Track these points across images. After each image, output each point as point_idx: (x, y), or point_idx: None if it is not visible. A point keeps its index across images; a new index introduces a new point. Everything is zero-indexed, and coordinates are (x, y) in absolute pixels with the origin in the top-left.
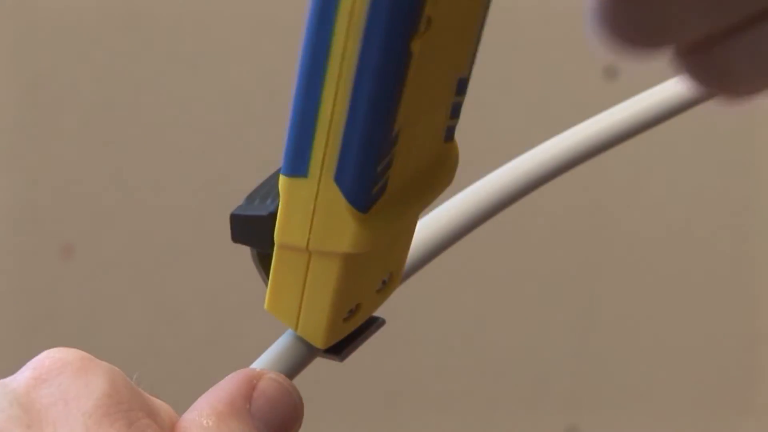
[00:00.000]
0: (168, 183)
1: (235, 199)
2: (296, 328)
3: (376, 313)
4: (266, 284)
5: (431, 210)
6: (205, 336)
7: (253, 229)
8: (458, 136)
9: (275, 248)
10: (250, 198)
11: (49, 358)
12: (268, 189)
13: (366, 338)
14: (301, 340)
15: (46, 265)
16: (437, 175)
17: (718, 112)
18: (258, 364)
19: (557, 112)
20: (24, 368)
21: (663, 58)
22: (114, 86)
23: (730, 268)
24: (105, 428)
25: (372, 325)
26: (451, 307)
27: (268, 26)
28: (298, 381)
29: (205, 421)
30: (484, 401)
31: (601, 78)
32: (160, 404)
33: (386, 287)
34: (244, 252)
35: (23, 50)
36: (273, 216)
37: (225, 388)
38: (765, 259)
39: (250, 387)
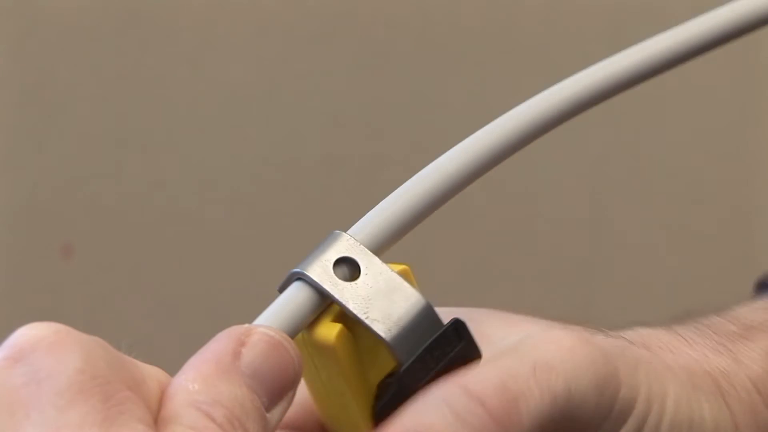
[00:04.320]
0: (168, 183)
1: (235, 199)
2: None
3: None
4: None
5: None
6: (206, 336)
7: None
8: (458, 135)
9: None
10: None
11: (22, 336)
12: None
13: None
14: (304, 291)
15: (46, 265)
16: None
17: (717, 112)
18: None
19: None
20: None
21: None
22: (114, 86)
23: (730, 268)
24: (78, 406)
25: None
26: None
27: (269, 26)
28: None
29: (191, 385)
30: None
31: None
32: (149, 371)
33: None
34: (244, 252)
35: (23, 50)
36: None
37: (211, 348)
38: (765, 259)
39: (239, 343)
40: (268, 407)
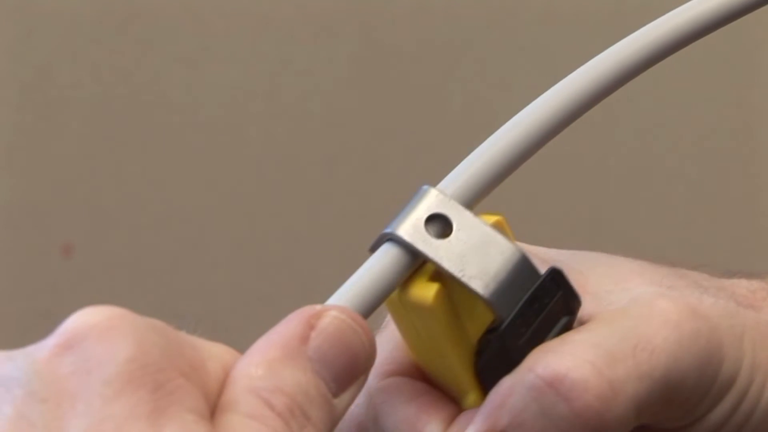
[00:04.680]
0: (168, 182)
1: (235, 198)
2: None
3: None
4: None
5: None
6: (206, 336)
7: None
8: (457, 136)
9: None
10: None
11: (75, 321)
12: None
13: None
14: (394, 252)
15: (46, 264)
16: None
17: (717, 112)
18: (330, 301)
19: None
20: (51, 335)
21: None
22: (114, 85)
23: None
24: (126, 397)
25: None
26: None
27: (269, 25)
28: None
29: (254, 370)
30: None
31: None
32: (212, 352)
33: None
34: (245, 252)
35: (23, 49)
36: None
37: (279, 330)
38: (765, 259)
39: (308, 327)
40: (336, 393)
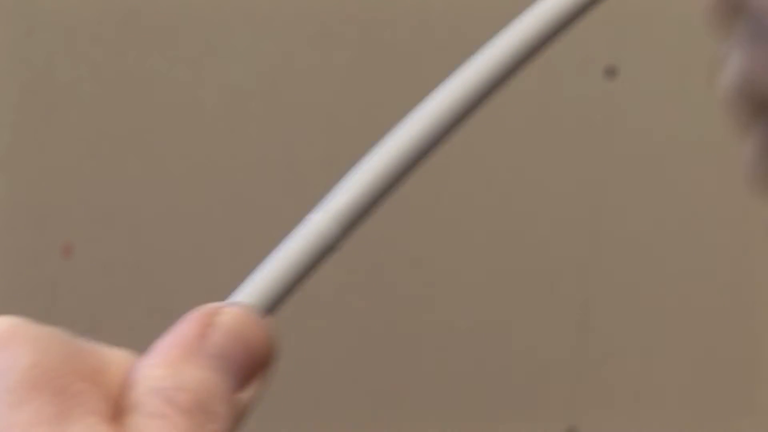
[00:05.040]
0: (169, 182)
1: (236, 198)
2: None
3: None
4: None
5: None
6: None
7: None
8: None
9: None
10: None
11: None
12: None
13: None
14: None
15: (46, 264)
16: None
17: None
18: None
19: (557, 112)
20: None
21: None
22: (114, 86)
23: (729, 267)
24: (29, 403)
25: None
26: (449, 309)
27: (269, 25)
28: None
29: (155, 371)
30: (484, 403)
31: (602, 77)
32: (112, 358)
33: None
34: (245, 251)
35: (23, 49)
36: None
37: (178, 330)
38: (764, 258)
39: (206, 324)
40: (238, 388)
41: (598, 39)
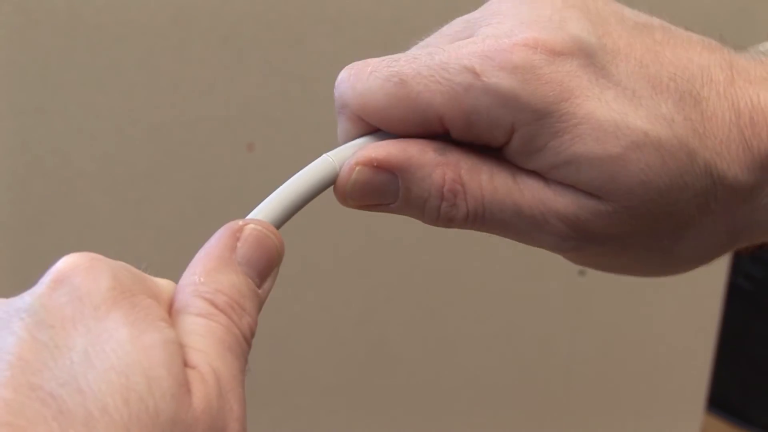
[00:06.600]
0: (169, 182)
1: (236, 197)
2: None
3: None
4: None
5: None
6: None
7: None
8: None
9: None
10: None
11: (62, 263)
12: None
13: None
14: (292, 188)
15: (46, 264)
16: None
17: None
18: (250, 215)
19: None
20: (44, 276)
21: None
22: (114, 85)
23: (727, 268)
24: (113, 314)
25: None
26: (448, 311)
27: (270, 24)
28: (303, 388)
29: (197, 278)
30: (482, 403)
31: None
32: (163, 283)
33: None
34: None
35: (23, 49)
36: None
37: (212, 244)
38: None
39: (234, 239)
40: (259, 285)
41: None
